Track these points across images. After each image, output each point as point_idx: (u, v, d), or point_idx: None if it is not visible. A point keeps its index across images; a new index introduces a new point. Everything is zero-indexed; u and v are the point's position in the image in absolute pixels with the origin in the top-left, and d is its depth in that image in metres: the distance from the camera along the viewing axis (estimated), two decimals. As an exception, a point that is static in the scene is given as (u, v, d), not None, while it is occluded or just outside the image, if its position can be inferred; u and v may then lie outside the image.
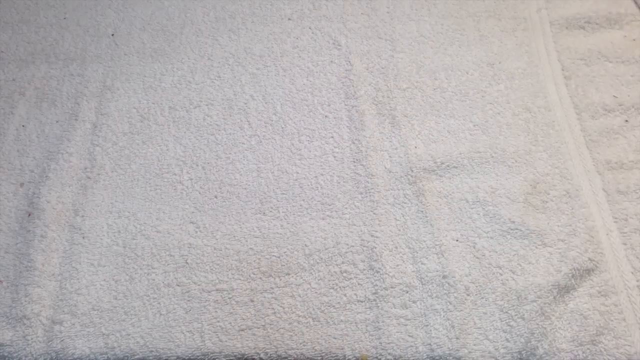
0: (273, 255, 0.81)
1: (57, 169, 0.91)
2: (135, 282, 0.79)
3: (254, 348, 0.73)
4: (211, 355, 0.73)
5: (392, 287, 0.77)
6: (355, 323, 0.74)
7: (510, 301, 0.74)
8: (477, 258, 0.79)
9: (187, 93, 1.01)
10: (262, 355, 0.73)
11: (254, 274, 0.79)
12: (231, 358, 0.73)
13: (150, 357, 0.73)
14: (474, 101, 0.96)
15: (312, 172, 0.89)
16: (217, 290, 0.78)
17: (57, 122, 0.97)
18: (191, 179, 0.90)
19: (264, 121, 0.96)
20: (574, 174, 0.86)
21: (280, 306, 0.76)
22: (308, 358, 0.72)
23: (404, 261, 0.79)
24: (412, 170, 0.88)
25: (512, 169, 0.87)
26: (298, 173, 0.89)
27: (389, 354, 0.72)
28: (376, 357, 0.72)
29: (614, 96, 0.95)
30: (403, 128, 0.93)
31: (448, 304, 0.75)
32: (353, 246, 0.81)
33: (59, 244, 0.83)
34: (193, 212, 0.86)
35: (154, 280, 0.79)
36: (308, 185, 0.88)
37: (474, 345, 0.72)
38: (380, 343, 0.73)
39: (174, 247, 0.82)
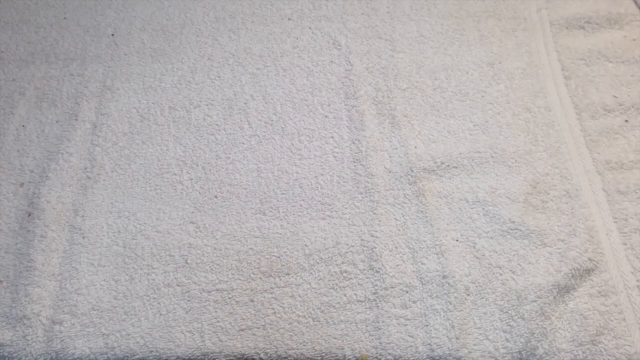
0: (273, 255, 0.81)
1: (57, 169, 0.91)
2: (135, 282, 0.79)
3: (254, 348, 0.73)
4: (211, 355, 0.73)
5: (392, 287, 0.77)
6: (355, 323, 0.74)
7: (510, 301, 0.74)
8: (477, 258, 0.79)
9: (187, 93, 1.01)
10: (262, 355, 0.73)
11: (254, 274, 0.79)
12: (231, 358, 0.73)
13: (150, 357, 0.73)
14: (474, 101, 0.96)
15: (312, 172, 0.89)
16: (217, 290, 0.78)
17: (57, 122, 0.97)
18: (191, 179, 0.90)
19: (264, 121, 0.96)
20: (574, 174, 0.86)
21: (280, 306, 0.76)
22: (308, 358, 0.72)
23: (404, 261, 0.79)
24: (412, 170, 0.88)
25: (512, 169, 0.87)
26: (298, 173, 0.89)
27: (389, 354, 0.72)
28: (376, 357, 0.72)
29: (614, 96, 0.95)
30: (403, 128, 0.93)
31: (448, 304, 0.75)
32: (353, 246, 0.81)
33: (59, 244, 0.83)
34: (193, 212, 0.86)
35: (154, 280, 0.79)
36: (308, 185, 0.88)
37: (474, 345, 0.72)
38: (380, 343, 0.73)
39: (174, 247, 0.82)
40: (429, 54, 1.04)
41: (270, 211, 0.85)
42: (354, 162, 0.90)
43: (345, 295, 0.77)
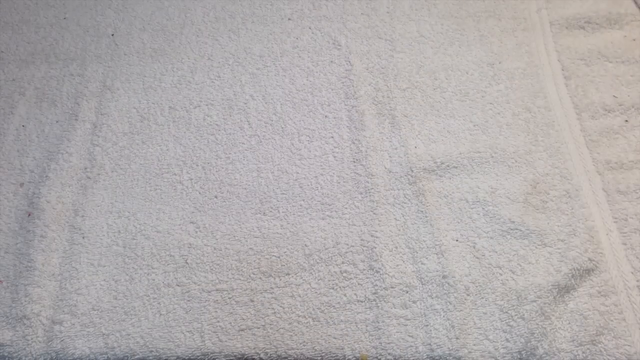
0: (273, 255, 0.81)
1: (57, 169, 0.91)
2: (135, 282, 0.79)
3: (254, 348, 0.73)
4: (211, 355, 0.73)
5: (392, 287, 0.77)
6: (355, 323, 0.74)
7: (510, 301, 0.74)
8: (477, 258, 0.79)
9: (187, 93, 1.01)
10: (262, 355, 0.73)
11: (254, 274, 0.79)
12: (231, 358, 0.73)
13: (150, 357, 0.73)
14: (474, 101, 0.96)
15: (312, 172, 0.89)
16: (217, 290, 0.78)
17: (57, 122, 0.97)
18: (191, 179, 0.90)
19: (264, 121, 0.96)
20: (574, 174, 0.86)
21: (280, 306, 0.76)
22: (308, 358, 0.72)
23: (404, 261, 0.79)
24: (412, 170, 0.88)
25: (512, 169, 0.87)
26: (298, 173, 0.89)
27: (389, 354, 0.72)
28: (376, 357, 0.72)
29: (614, 96, 0.95)
30: (403, 128, 0.93)
31: (448, 304, 0.75)
32: (353, 246, 0.81)
33: (59, 244, 0.83)
34: (193, 212, 0.86)
35: (154, 280, 0.79)
36: (308, 185, 0.88)
37: (474, 345, 0.72)
38: (380, 343, 0.73)
39: (174, 247, 0.82)
40: (429, 54, 1.04)
41: (270, 211, 0.85)
42: (354, 162, 0.90)
43: (345, 295, 0.77)
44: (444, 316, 0.74)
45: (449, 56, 1.03)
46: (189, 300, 0.77)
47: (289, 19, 1.11)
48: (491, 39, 1.05)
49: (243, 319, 0.75)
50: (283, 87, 1.01)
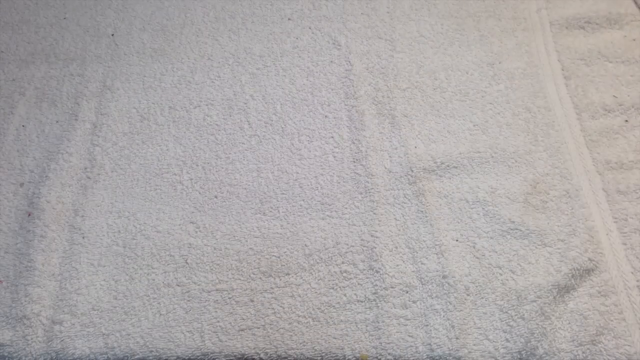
0: (273, 255, 0.81)
1: (57, 169, 0.91)
2: (135, 282, 0.79)
3: (254, 348, 0.73)
4: (211, 355, 0.73)
5: (392, 287, 0.77)
6: (355, 323, 0.74)
7: (510, 301, 0.74)
8: (477, 258, 0.79)
9: (187, 93, 1.01)
10: (262, 355, 0.73)
11: (254, 274, 0.79)
12: (231, 358, 0.73)
13: (150, 357, 0.73)
14: (474, 101, 0.96)
15: (312, 172, 0.89)
16: (217, 290, 0.78)
17: (57, 122, 0.97)
18: (191, 179, 0.90)
19: (264, 121, 0.96)
20: (574, 174, 0.86)
21: (280, 306, 0.76)
22: (308, 358, 0.72)
23: (404, 261, 0.79)
24: (412, 170, 0.88)
25: (512, 169, 0.87)
26: (298, 173, 0.89)
27: (389, 354, 0.72)
28: (376, 357, 0.72)
29: (614, 96, 0.95)
30: (403, 128, 0.93)
31: (448, 304, 0.75)
32: (353, 246, 0.81)
33: (59, 244, 0.83)
34: (193, 212, 0.86)
35: (154, 280, 0.79)
36: (308, 185, 0.88)
37: (474, 345, 0.72)
38: (380, 343, 0.73)
39: (174, 247, 0.82)
40: (429, 54, 1.04)
41: (270, 211, 0.85)
42: (354, 162, 0.90)
43: (345, 295, 0.77)
44: (444, 316, 0.74)
45: (449, 56, 1.03)
46: (189, 300, 0.77)
47: (289, 19, 1.11)
48: (491, 39, 1.05)
49: (243, 319, 0.75)
50: (283, 87, 1.01)
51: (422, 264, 0.78)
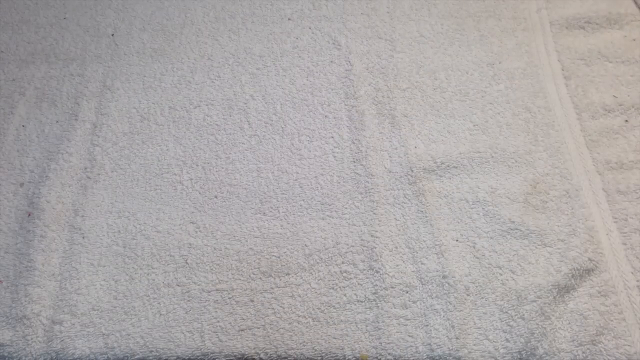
0: (273, 255, 0.81)
1: (57, 169, 0.91)
2: (135, 282, 0.79)
3: (254, 348, 0.73)
4: (211, 355, 0.73)
5: (392, 287, 0.77)
6: (355, 323, 0.74)
7: (510, 301, 0.74)
8: (477, 258, 0.79)
9: (187, 93, 1.01)
10: (262, 355, 0.73)
11: (254, 274, 0.79)
12: (231, 358, 0.73)
13: (150, 357, 0.73)
14: (474, 101, 0.96)
15: (312, 172, 0.89)
16: (217, 290, 0.78)
17: (57, 122, 0.97)
18: (191, 179, 0.90)
19: (264, 121, 0.96)
20: (574, 174, 0.86)
21: (280, 306, 0.76)
22: (308, 358, 0.72)
23: (404, 261, 0.79)
24: (412, 170, 0.88)
25: (512, 169, 0.87)
26: (298, 173, 0.89)
27: (389, 354, 0.72)
28: (376, 357, 0.72)
29: (614, 96, 0.95)
30: (403, 128, 0.93)
31: (448, 304, 0.75)
32: (353, 246, 0.81)
33: (59, 244, 0.83)
34: (193, 212, 0.86)
35: (154, 280, 0.79)
36: (308, 185, 0.88)
37: (474, 345, 0.72)
38: (380, 343, 0.73)
39: (174, 247, 0.82)
40: (429, 54, 1.04)
41: (270, 211, 0.85)
42: (354, 162, 0.90)
43: (345, 295, 0.77)
44: (444, 316, 0.74)
45: (449, 56, 1.03)
46: (189, 300, 0.77)
47: (289, 19, 1.11)
48: (491, 39, 1.05)
49: (243, 319, 0.75)
50: (283, 87, 1.01)
51: (422, 264, 0.78)
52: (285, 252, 0.81)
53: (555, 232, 0.80)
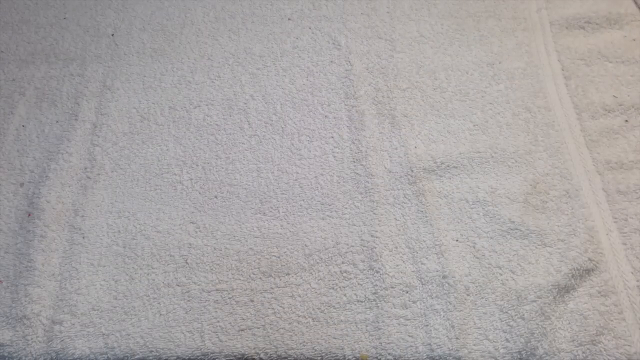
0: (273, 255, 0.81)
1: (57, 169, 0.91)
2: (135, 282, 0.79)
3: (254, 348, 0.73)
4: (211, 355, 0.73)
5: (392, 287, 0.77)
6: (355, 323, 0.74)
7: (510, 301, 0.74)
8: (477, 258, 0.79)
9: (187, 93, 1.01)
10: (262, 355, 0.73)
11: (254, 274, 0.79)
12: (231, 358, 0.73)
13: (150, 357, 0.73)
14: (474, 101, 0.96)
15: (312, 172, 0.89)
16: (217, 290, 0.78)
17: (57, 122, 0.97)
18: (191, 179, 0.90)
19: (264, 121, 0.96)
20: (574, 174, 0.86)
21: (280, 306, 0.76)
22: (308, 358, 0.72)
23: (404, 261, 0.79)
24: (412, 170, 0.88)
25: (512, 169, 0.87)
26: (298, 173, 0.89)
27: (389, 354, 0.72)
28: (376, 357, 0.72)
29: (614, 96, 0.95)
30: (403, 128, 0.93)
31: (448, 304, 0.75)
32: (353, 246, 0.81)
33: (59, 244, 0.83)
34: (193, 212, 0.86)
35: (154, 280, 0.79)
36: (308, 185, 0.88)
37: (474, 345, 0.72)
38: (380, 343, 0.73)
39: (174, 247, 0.82)
40: (429, 54, 1.04)
41: (270, 211, 0.85)
42: (354, 162, 0.90)
43: (345, 295, 0.77)
44: (444, 316, 0.74)
45: (449, 56, 1.03)
46: (189, 300, 0.77)
47: (289, 19, 1.11)
48: (491, 39, 1.05)
49: (243, 319, 0.75)
50: (283, 87, 1.01)
51: (422, 264, 0.78)
52: (285, 252, 0.81)
53: (555, 232, 0.80)
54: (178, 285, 0.78)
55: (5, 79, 1.04)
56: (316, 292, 0.77)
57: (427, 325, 0.73)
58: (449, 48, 1.04)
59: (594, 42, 1.03)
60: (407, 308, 0.75)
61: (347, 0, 1.13)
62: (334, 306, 0.76)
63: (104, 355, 0.73)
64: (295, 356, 0.72)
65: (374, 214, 0.84)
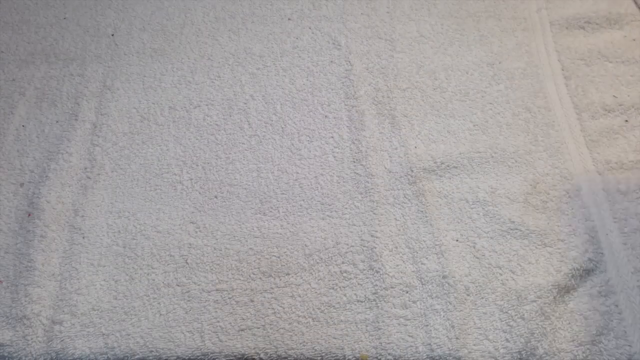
0: (273, 255, 0.81)
1: (57, 169, 0.91)
2: (135, 282, 0.79)
3: (254, 348, 0.73)
4: (211, 355, 0.73)
5: (392, 287, 0.77)
6: (355, 323, 0.74)
7: (510, 301, 0.74)
8: (477, 258, 0.79)
9: (187, 93, 1.01)
10: (262, 355, 0.73)
11: (254, 274, 0.79)
12: (231, 358, 0.73)
13: (150, 357, 0.73)
14: (474, 101, 0.96)
15: (312, 172, 0.89)
16: (217, 290, 0.78)
17: (57, 122, 0.97)
18: (191, 179, 0.90)
19: (264, 121, 0.96)
20: (574, 174, 0.86)
21: (280, 306, 0.76)
22: (308, 358, 0.72)
23: (404, 261, 0.79)
24: (412, 170, 0.88)
25: (512, 169, 0.87)
26: (298, 173, 0.89)
27: (389, 354, 0.72)
28: (376, 357, 0.72)
29: (614, 96, 0.95)
30: (403, 128, 0.93)
31: (448, 304, 0.75)
32: (353, 246, 0.81)
33: (59, 244, 0.83)
34: (193, 212, 0.86)
35: (154, 280, 0.79)
36: (308, 185, 0.88)
37: (474, 345, 0.72)
38: (380, 343, 0.73)
39: (174, 247, 0.82)
40: (429, 54, 1.04)
41: (270, 211, 0.85)
42: (354, 162, 0.90)
43: (345, 295, 0.77)
44: (444, 316, 0.74)
45: (449, 56, 1.03)
46: (189, 300, 0.77)
47: (289, 19, 1.11)
48: (491, 39, 1.05)
49: (243, 319, 0.75)
50: (283, 87, 1.01)
51: (422, 264, 0.78)
52: (285, 252, 0.81)
53: (555, 232, 0.80)
54: (178, 285, 0.78)
55: (5, 79, 1.04)
56: (316, 292, 0.77)
57: (427, 325, 0.73)
58: (449, 48, 1.04)
59: (594, 42, 1.03)
60: (407, 308, 0.75)
61: (347, 0, 1.13)
62: (334, 306, 0.76)
63: (104, 355, 0.73)
64: (295, 356, 0.72)
65: (374, 214, 0.84)
